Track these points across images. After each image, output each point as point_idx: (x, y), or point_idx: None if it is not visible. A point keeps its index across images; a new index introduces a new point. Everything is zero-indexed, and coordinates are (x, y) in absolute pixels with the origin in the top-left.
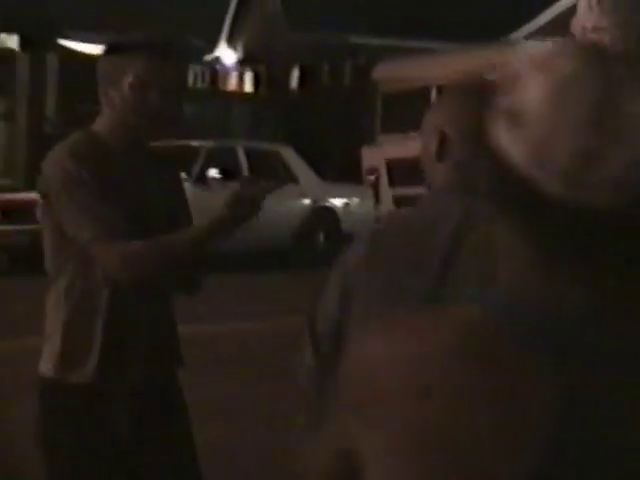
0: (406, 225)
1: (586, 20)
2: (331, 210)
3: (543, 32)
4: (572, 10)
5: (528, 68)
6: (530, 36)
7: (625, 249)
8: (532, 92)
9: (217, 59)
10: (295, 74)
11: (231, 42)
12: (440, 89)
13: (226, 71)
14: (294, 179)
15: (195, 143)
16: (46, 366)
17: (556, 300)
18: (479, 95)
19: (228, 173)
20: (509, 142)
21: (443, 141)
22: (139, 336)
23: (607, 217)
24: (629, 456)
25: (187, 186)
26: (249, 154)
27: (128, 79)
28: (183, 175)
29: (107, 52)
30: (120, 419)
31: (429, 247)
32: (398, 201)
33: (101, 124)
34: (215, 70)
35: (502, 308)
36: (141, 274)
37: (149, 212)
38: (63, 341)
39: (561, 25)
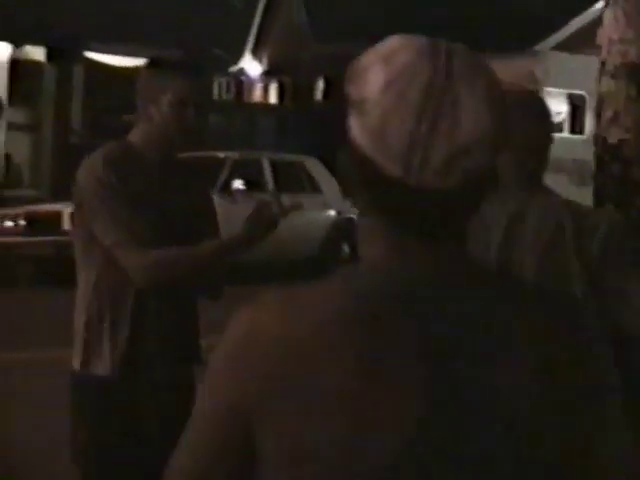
0: None
1: (612, 32)
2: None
3: (570, 43)
4: (598, 21)
5: (373, 61)
6: (557, 47)
7: (461, 227)
8: (373, 83)
9: (242, 71)
10: (320, 85)
11: (256, 54)
12: None
13: (251, 83)
14: (318, 190)
15: (220, 154)
16: (75, 360)
17: (409, 271)
18: (525, 103)
19: (253, 184)
20: (356, 129)
21: None
22: (161, 334)
23: (443, 198)
24: (496, 425)
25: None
26: (274, 165)
27: (167, 97)
28: None
29: (147, 71)
30: (146, 414)
31: (488, 237)
32: None
33: (137, 135)
34: (240, 82)
35: (366, 281)
36: (158, 281)
37: (176, 222)
38: (90, 336)
39: (587, 36)
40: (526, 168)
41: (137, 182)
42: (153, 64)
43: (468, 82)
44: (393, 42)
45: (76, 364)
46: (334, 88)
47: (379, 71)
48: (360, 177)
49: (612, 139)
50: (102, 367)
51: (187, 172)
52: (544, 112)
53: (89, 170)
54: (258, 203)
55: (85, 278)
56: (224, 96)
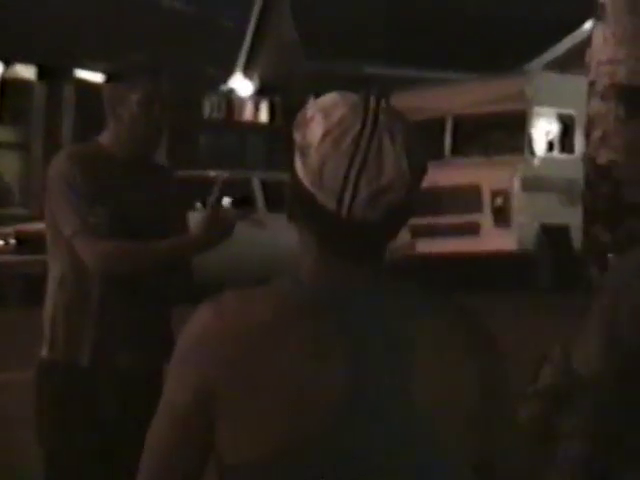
0: None
1: (601, 52)
2: None
3: (559, 62)
4: (588, 41)
5: (314, 113)
6: (546, 66)
7: (380, 252)
8: (314, 132)
9: (233, 90)
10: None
11: (247, 73)
12: (456, 119)
13: (242, 101)
14: None
15: (211, 173)
16: (43, 348)
17: (336, 283)
18: None
19: (243, 203)
20: (300, 169)
21: None
22: (128, 325)
23: (368, 227)
24: (409, 415)
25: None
26: (264, 184)
27: (136, 96)
28: (198, 205)
29: (112, 77)
30: (107, 404)
31: None
32: (414, 231)
33: (107, 137)
34: (231, 100)
35: (303, 287)
36: (111, 270)
37: (139, 219)
38: (55, 324)
39: (577, 55)
40: None
41: (102, 179)
42: (117, 73)
43: (391, 133)
44: (332, 97)
45: (44, 352)
46: None
47: (319, 122)
48: (301, 208)
49: (601, 160)
50: (68, 354)
51: (157, 173)
52: None
53: (54, 165)
54: (212, 207)
55: (53, 270)
56: (215, 115)
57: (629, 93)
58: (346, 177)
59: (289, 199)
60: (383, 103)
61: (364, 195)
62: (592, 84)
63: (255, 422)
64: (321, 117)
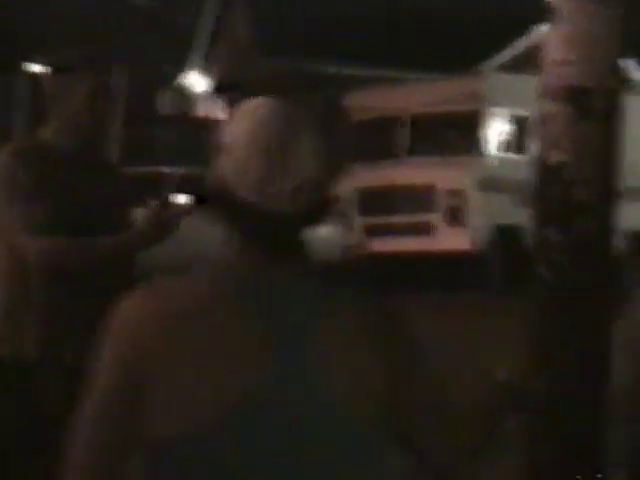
0: None
1: (554, 53)
2: None
3: (514, 63)
4: (543, 42)
5: (238, 114)
6: (501, 67)
7: (295, 244)
8: (236, 130)
9: (189, 86)
10: None
11: (203, 69)
12: (412, 118)
13: (197, 98)
14: None
15: (166, 170)
16: None
17: (256, 272)
18: None
19: (198, 200)
20: (223, 165)
21: None
22: (75, 321)
23: (288, 219)
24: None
25: None
26: None
27: (82, 89)
28: (153, 202)
29: (58, 70)
30: (55, 400)
31: None
32: (369, 230)
33: (50, 131)
34: (186, 97)
35: (225, 273)
36: (56, 267)
37: (85, 216)
38: (1, 321)
39: (532, 56)
40: None
41: (45, 174)
42: (63, 65)
43: (311, 133)
44: (256, 100)
45: None
46: None
47: (242, 123)
48: (223, 201)
49: (552, 161)
50: (13, 350)
51: (104, 169)
52: None
53: None
54: (155, 204)
55: None
56: (170, 111)
57: (579, 94)
58: (266, 173)
59: (211, 196)
60: (306, 104)
61: (283, 190)
62: (544, 85)
63: (181, 397)
64: (244, 117)
